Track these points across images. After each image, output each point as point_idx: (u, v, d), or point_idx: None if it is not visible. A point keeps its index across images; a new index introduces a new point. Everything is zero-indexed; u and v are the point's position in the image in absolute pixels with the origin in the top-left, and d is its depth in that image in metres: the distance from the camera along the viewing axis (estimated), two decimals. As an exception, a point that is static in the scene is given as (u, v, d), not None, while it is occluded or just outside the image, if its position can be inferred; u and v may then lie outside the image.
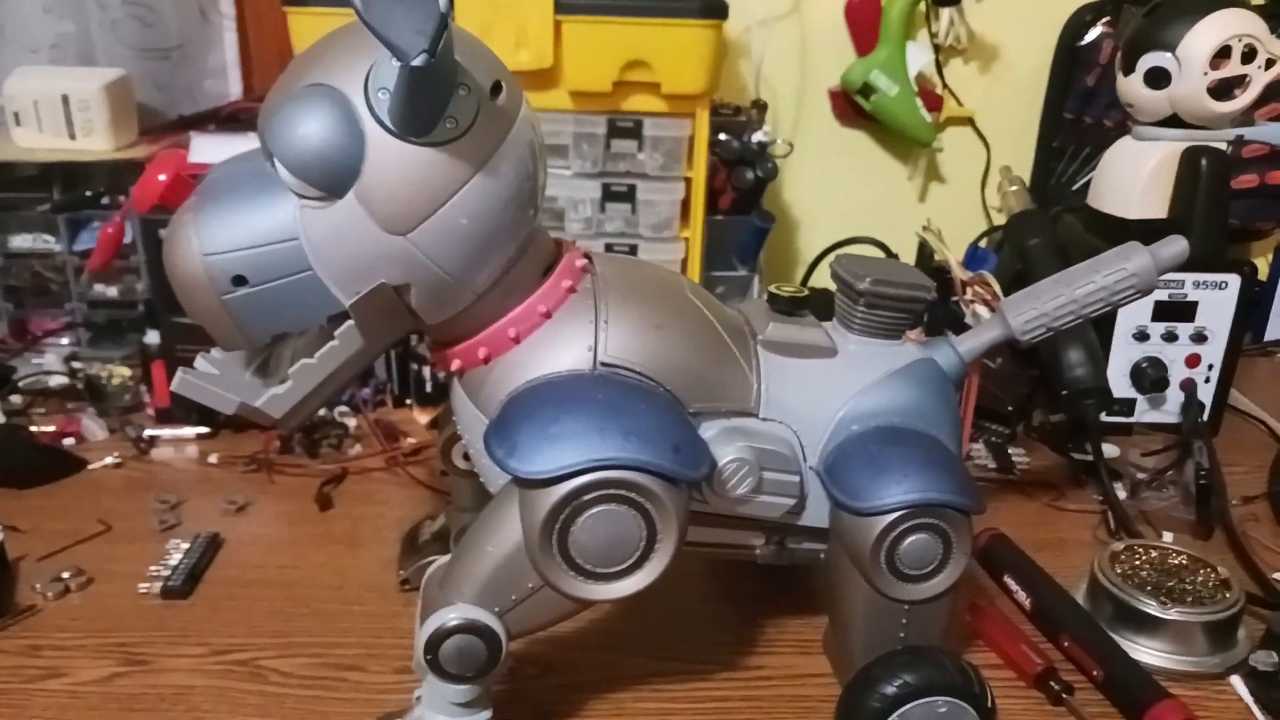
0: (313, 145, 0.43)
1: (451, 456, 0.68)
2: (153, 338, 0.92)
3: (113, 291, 1.07)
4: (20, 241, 1.06)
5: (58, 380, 0.99)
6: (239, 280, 0.46)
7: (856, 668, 0.54)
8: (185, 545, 0.73)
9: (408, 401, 1.00)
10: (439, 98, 0.43)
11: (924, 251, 1.03)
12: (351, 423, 0.94)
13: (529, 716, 0.57)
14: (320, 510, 0.81)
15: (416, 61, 0.38)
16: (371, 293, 0.46)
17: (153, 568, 0.71)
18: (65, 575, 0.69)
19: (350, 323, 0.48)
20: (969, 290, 0.78)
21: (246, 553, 0.75)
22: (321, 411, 0.94)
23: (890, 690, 0.51)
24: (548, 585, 0.47)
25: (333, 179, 0.44)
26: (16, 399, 0.96)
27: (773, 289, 0.58)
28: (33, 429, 0.91)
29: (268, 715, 0.58)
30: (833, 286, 0.59)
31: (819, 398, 0.56)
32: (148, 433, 0.91)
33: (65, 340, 1.08)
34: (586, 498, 0.46)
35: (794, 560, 0.60)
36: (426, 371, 0.97)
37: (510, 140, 0.47)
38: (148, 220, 0.89)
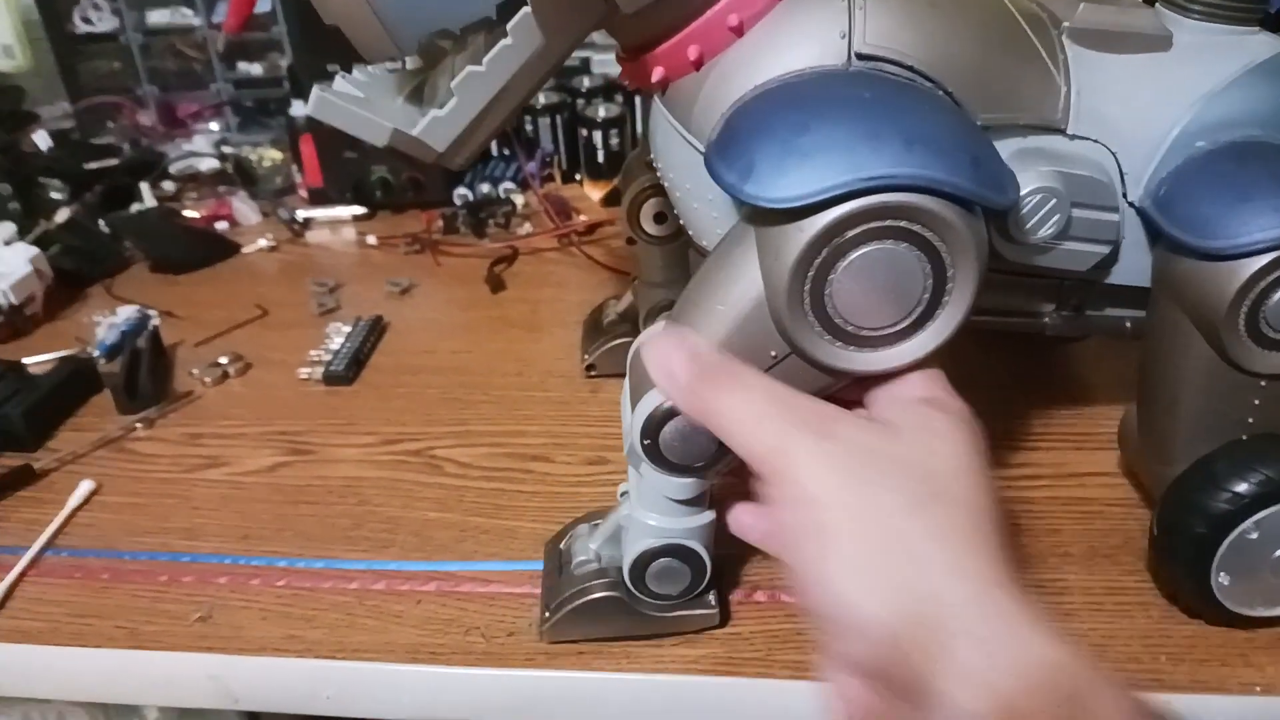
0: None
1: (640, 220, 0.57)
2: (299, 110, 0.84)
3: (257, 69, 1.00)
4: (158, 17, 0.98)
5: (208, 165, 0.92)
6: (379, -48, 0.34)
7: (1184, 461, 0.42)
8: (346, 329, 0.66)
9: (577, 177, 0.89)
10: None
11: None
12: (519, 200, 0.83)
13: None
14: (492, 292, 0.72)
15: None
16: (552, -41, 0.34)
17: (313, 352, 0.64)
18: (223, 361, 0.63)
19: (526, 11, 0.35)
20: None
21: (414, 338, 0.67)
22: (485, 188, 0.84)
23: (1245, 488, 0.39)
24: (796, 353, 0.35)
25: None
26: (168, 185, 0.90)
27: (1081, -38, 0.42)
28: (185, 214, 0.85)
29: (446, 509, 0.51)
30: None
31: (1148, 106, 0.41)
32: (301, 214, 0.83)
33: (214, 126, 1.01)
34: (853, 233, 0.33)
35: (1090, 331, 0.46)
36: (598, 139, 0.85)
37: None
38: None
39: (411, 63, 0.42)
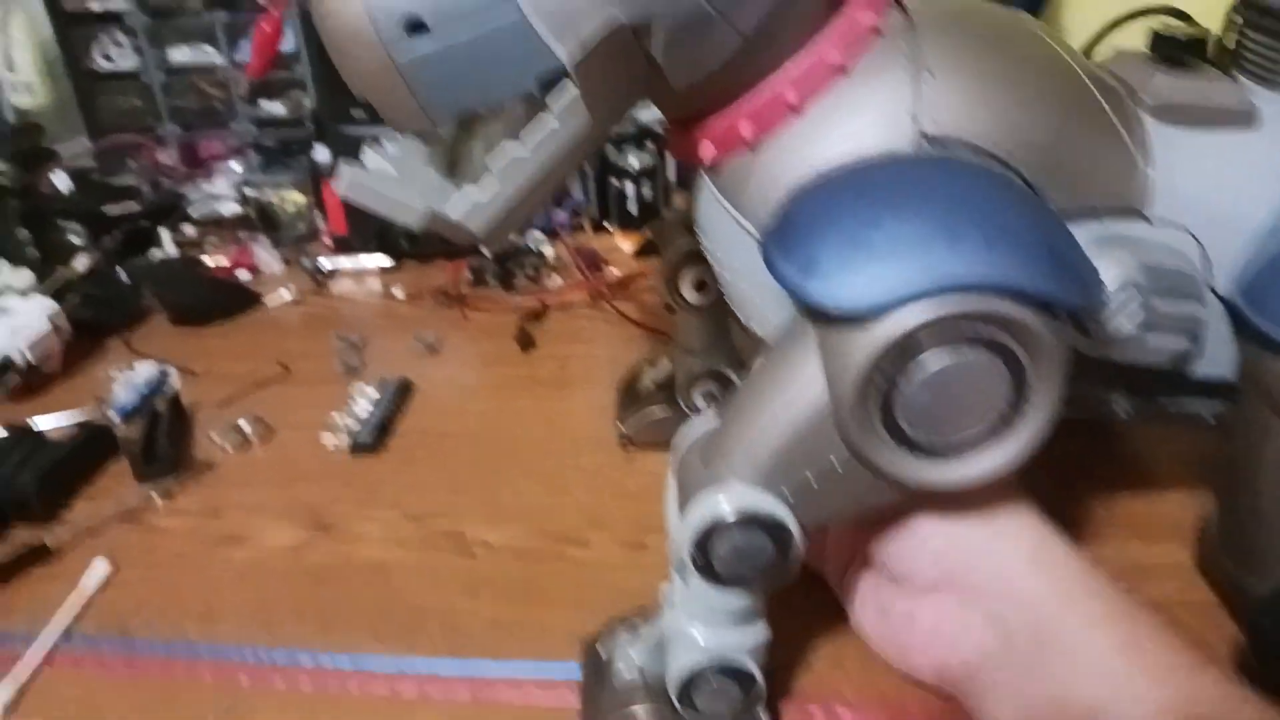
0: None
1: (680, 287, 0.55)
2: (322, 155, 0.82)
3: (279, 108, 0.98)
4: (180, 55, 0.97)
5: (230, 209, 0.90)
6: (416, 27, 0.32)
7: (1274, 573, 0.39)
8: (374, 393, 0.63)
9: (607, 225, 0.86)
10: None
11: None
12: (549, 251, 0.81)
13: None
14: (521, 350, 0.69)
15: None
16: (601, 39, 0.31)
17: (337, 415, 0.61)
18: (244, 424, 0.61)
19: (574, 94, 0.33)
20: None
21: (442, 399, 0.65)
22: (513, 237, 0.82)
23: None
24: (861, 463, 0.33)
25: None
26: (190, 229, 0.89)
27: (1157, 28, 0.40)
28: (205, 259, 0.83)
29: (476, 596, 0.48)
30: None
31: (1235, 187, 0.38)
32: (325, 264, 0.81)
33: (236, 165, 1.00)
34: (927, 340, 0.31)
35: (1165, 422, 0.43)
36: (629, 189, 0.83)
37: None
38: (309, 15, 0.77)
39: (445, 130, 0.40)
